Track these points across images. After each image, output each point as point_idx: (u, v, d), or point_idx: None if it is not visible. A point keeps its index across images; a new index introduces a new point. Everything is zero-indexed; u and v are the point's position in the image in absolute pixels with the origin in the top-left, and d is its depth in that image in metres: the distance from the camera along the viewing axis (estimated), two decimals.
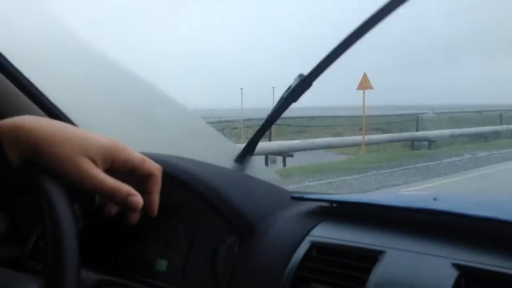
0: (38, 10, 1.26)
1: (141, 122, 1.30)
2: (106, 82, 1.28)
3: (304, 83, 1.01)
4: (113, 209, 0.66)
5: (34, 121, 0.58)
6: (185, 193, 0.95)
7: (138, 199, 0.60)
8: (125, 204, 0.60)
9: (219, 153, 1.25)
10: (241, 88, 22.95)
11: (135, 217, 0.64)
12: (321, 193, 1.04)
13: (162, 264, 1.05)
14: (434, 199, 0.85)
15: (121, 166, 0.61)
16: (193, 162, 1.03)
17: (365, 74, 12.65)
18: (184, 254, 1.04)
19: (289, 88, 1.03)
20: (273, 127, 12.85)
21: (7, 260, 1.05)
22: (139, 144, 1.22)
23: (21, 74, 1.06)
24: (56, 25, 1.29)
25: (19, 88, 1.05)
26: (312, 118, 26.71)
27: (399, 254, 0.72)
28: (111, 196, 0.59)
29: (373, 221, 0.83)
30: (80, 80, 1.26)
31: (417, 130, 17.40)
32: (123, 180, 0.62)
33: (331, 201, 0.91)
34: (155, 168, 0.64)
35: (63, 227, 0.56)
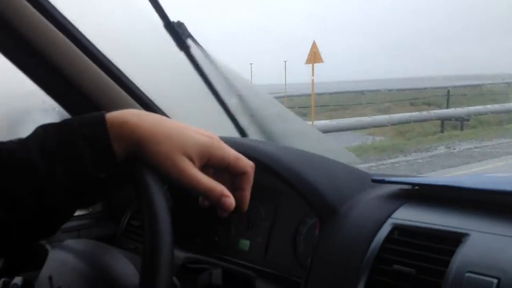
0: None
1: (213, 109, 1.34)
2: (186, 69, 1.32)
3: None
4: (206, 203, 0.68)
5: (138, 117, 0.60)
6: (267, 176, 0.98)
7: (230, 201, 0.62)
8: (217, 204, 0.62)
9: (296, 133, 1.27)
10: (285, 61, 20.94)
11: (226, 214, 0.66)
12: (400, 176, 1.03)
13: (245, 244, 1.09)
14: None
15: (216, 163, 0.63)
16: (273, 145, 1.06)
17: (314, 43, 10.27)
18: (266, 234, 1.07)
19: None
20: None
21: (102, 238, 1.13)
22: (221, 129, 1.28)
23: (115, 67, 1.13)
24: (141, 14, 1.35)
25: (114, 80, 1.11)
26: (362, 92, 24.52)
27: (483, 237, 0.72)
28: (205, 195, 0.62)
29: (456, 204, 0.82)
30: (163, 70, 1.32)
31: (447, 107, 15.02)
32: (217, 173, 0.64)
33: (413, 184, 0.90)
34: (248, 165, 0.65)
35: (160, 220, 0.58)
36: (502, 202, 0.78)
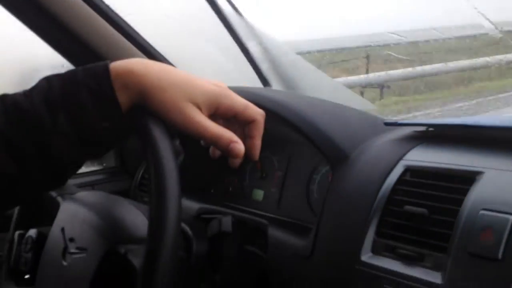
0: None
1: (235, 57, 1.32)
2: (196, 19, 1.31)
3: None
4: (217, 153, 0.68)
5: (143, 66, 0.60)
6: (278, 124, 0.97)
7: (239, 146, 0.61)
8: (226, 151, 0.61)
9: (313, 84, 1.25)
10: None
11: (237, 162, 0.65)
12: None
13: (259, 194, 1.09)
14: None
15: (224, 112, 0.62)
16: (284, 93, 1.04)
17: None
18: (280, 184, 1.07)
19: None
20: None
21: (117, 193, 1.14)
22: (233, 79, 1.26)
23: (120, 17, 1.12)
24: None
25: (117, 30, 1.10)
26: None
27: (498, 174, 0.70)
28: (214, 142, 0.61)
29: (471, 143, 0.80)
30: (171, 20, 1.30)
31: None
32: (227, 124, 0.64)
33: (427, 125, 0.88)
34: (258, 113, 0.64)
35: (165, 167, 0.58)
36: None
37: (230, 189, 1.14)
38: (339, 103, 1.10)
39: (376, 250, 0.73)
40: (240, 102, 0.63)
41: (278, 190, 1.06)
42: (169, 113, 0.59)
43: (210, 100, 0.61)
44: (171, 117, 0.59)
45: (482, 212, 0.66)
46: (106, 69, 0.58)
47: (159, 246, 0.56)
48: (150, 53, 1.15)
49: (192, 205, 1.05)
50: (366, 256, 0.73)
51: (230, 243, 0.84)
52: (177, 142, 1.21)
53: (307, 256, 0.81)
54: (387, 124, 0.93)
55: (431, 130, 0.88)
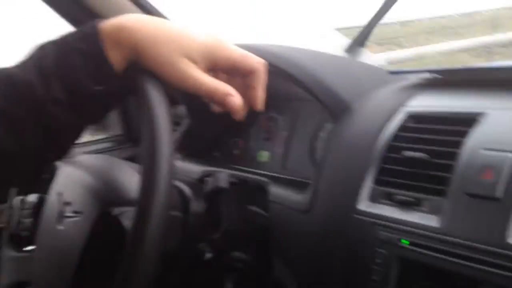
0: None
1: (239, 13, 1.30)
2: None
3: None
4: (217, 108, 0.67)
5: (135, 21, 0.59)
6: (281, 79, 0.95)
7: (235, 99, 0.60)
8: (223, 105, 0.61)
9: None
10: None
11: (239, 115, 0.64)
12: None
13: (264, 155, 1.08)
14: None
15: (222, 64, 0.61)
16: (286, 47, 1.02)
17: None
18: (285, 144, 1.06)
19: None
20: None
21: (124, 160, 1.15)
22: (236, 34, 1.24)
23: None
24: None
25: None
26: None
27: (500, 114, 0.67)
28: (210, 96, 0.60)
29: (475, 86, 0.77)
30: None
31: None
32: (229, 78, 0.63)
33: (432, 71, 0.85)
34: (257, 63, 0.62)
35: (159, 131, 0.56)
36: None
37: (235, 151, 1.13)
38: (345, 57, 1.08)
39: (373, 198, 0.71)
40: (238, 52, 0.62)
41: (283, 150, 1.05)
42: (163, 68, 0.58)
43: (206, 53, 0.60)
44: (165, 72, 0.58)
45: (482, 152, 0.63)
46: (95, 28, 0.57)
47: (149, 206, 0.55)
48: (144, 7, 1.13)
49: (196, 169, 1.05)
50: (363, 205, 0.71)
51: (228, 201, 0.83)
52: (182, 108, 1.21)
53: (307, 210, 0.79)
54: (392, 72, 0.91)
55: (436, 77, 0.85)
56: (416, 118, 0.76)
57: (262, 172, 1.02)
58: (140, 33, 0.58)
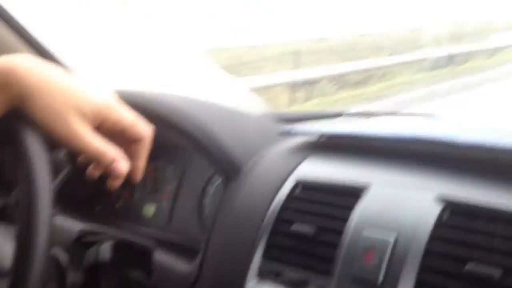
0: None
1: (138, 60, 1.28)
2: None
3: None
4: (96, 173, 0.64)
5: (28, 66, 0.56)
6: (170, 131, 0.93)
7: (122, 166, 0.59)
8: (109, 170, 0.59)
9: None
10: None
11: (116, 183, 0.62)
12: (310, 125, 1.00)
13: (150, 209, 1.05)
14: (430, 122, 0.81)
15: (110, 126, 0.59)
16: (177, 97, 1.00)
17: None
18: (172, 197, 1.03)
19: None
20: None
21: None
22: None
23: (6, 11, 1.03)
24: None
25: (6, 23, 1.02)
26: None
27: (383, 188, 0.70)
28: (96, 159, 0.58)
29: (362, 153, 0.79)
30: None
31: None
32: (112, 137, 0.60)
33: (320, 134, 0.87)
34: (145, 132, 0.61)
35: (37, 182, 0.54)
36: (406, 148, 0.76)
37: (118, 205, 1.09)
38: (237, 109, 1.08)
39: (262, 275, 0.71)
40: (129, 117, 0.60)
41: (170, 205, 1.02)
42: (50, 121, 0.55)
43: (96, 112, 0.58)
44: (51, 126, 0.56)
45: (365, 231, 0.65)
46: None
47: (23, 279, 0.52)
48: (43, 52, 1.07)
49: (74, 226, 0.99)
50: (252, 283, 0.70)
51: (109, 272, 0.79)
52: (61, 154, 1.14)
53: (193, 282, 0.78)
54: (282, 133, 0.92)
55: (325, 140, 0.87)
56: (305, 186, 0.77)
57: (146, 229, 0.99)
58: (30, 79, 0.54)
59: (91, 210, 1.09)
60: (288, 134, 0.91)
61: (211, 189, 0.99)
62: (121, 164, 0.59)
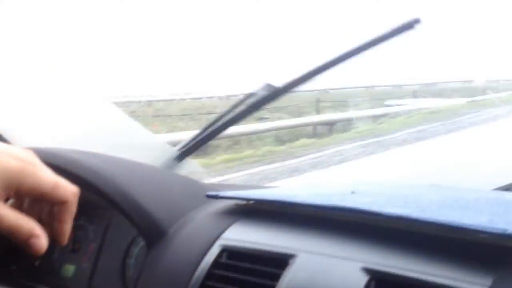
0: None
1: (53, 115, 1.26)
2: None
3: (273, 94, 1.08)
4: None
5: None
6: (91, 192, 0.92)
7: (40, 242, 0.54)
8: (25, 246, 0.54)
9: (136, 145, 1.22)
10: None
11: (41, 253, 0.58)
12: (238, 188, 1.03)
13: (69, 270, 1.02)
14: (352, 192, 0.85)
15: (28, 192, 0.55)
16: (98, 156, 0.99)
17: None
18: (94, 257, 1.01)
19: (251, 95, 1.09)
20: None
21: None
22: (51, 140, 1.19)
23: None
24: None
25: None
26: None
27: (309, 258, 0.72)
28: (11, 234, 0.53)
29: (288, 220, 0.82)
30: None
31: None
32: (35, 202, 0.58)
33: (247, 199, 0.90)
34: (69, 194, 0.57)
35: None
36: (332, 217, 0.79)
37: (36, 263, 1.05)
38: (163, 169, 1.08)
39: None
40: (48, 180, 0.56)
41: (91, 265, 1.00)
42: None
43: (9, 180, 0.54)
44: None
45: None
46: None
47: None
48: None
49: None
50: None
51: None
52: None
53: None
54: (209, 196, 0.93)
55: (251, 204, 0.90)
56: (231, 253, 0.78)
57: None
58: None
59: (7, 270, 1.05)
60: (215, 197, 0.92)
61: (135, 250, 0.98)
62: (39, 240, 0.55)
